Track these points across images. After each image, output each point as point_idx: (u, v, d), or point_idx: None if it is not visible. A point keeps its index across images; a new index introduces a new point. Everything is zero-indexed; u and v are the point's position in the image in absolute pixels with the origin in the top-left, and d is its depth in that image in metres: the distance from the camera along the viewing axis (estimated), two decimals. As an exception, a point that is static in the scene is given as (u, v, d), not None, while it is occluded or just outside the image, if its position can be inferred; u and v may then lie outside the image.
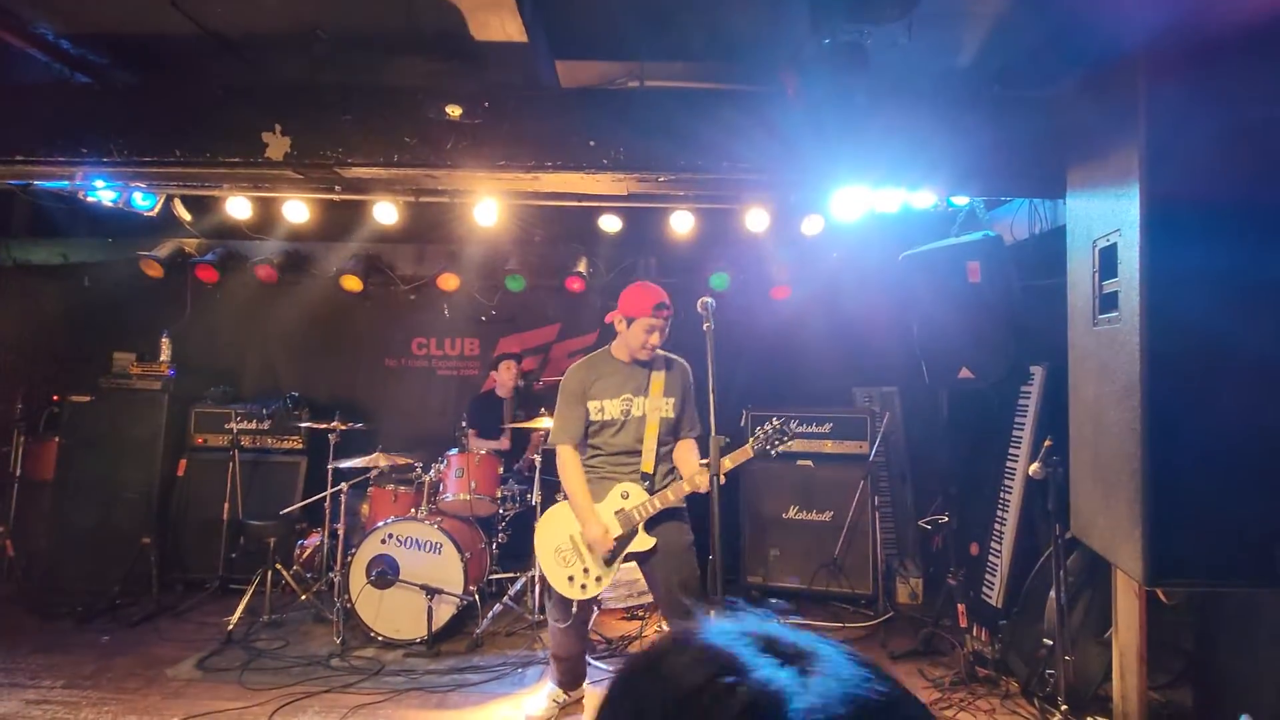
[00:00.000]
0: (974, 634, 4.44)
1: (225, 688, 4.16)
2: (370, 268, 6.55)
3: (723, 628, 0.65)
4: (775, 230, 5.36)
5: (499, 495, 5.20)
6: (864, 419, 5.68)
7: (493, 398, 6.14)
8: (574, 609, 3.50)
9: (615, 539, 3.39)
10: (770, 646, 0.63)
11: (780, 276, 6.18)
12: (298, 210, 5.29)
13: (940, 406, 5.75)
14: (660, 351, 3.50)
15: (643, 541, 3.40)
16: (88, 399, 5.86)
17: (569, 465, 3.43)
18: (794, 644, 0.64)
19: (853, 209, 4.55)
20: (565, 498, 3.53)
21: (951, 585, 4.58)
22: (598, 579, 3.42)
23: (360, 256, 6.48)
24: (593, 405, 3.46)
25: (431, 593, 4.61)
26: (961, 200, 4.77)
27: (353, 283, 6.33)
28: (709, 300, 2.98)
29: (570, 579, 3.45)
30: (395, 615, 4.73)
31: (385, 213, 5.18)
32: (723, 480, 2.92)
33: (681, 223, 5.34)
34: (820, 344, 6.08)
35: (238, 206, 5.29)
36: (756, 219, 5.17)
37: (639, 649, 0.80)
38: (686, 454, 3.52)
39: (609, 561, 3.41)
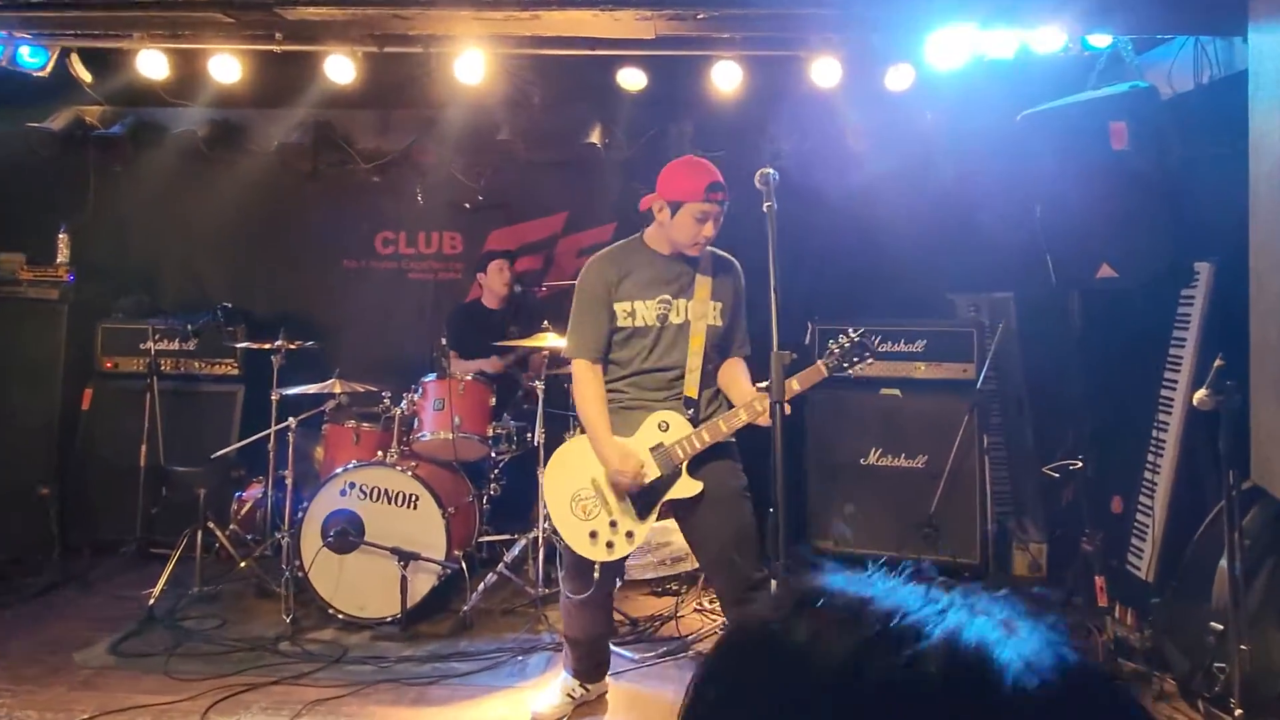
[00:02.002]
0: (1116, 616, 4.44)
1: (147, 678, 4.19)
2: (322, 141, 6.54)
3: (843, 576, 0.68)
4: (850, 85, 5.37)
5: (491, 433, 5.23)
6: (968, 334, 5.65)
7: (480, 309, 6.18)
8: (596, 576, 3.51)
9: (650, 482, 3.44)
10: (924, 591, 0.66)
11: (857, 147, 6.11)
12: (228, 67, 5.30)
13: (1071, 316, 5.64)
14: (710, 248, 3.55)
15: (686, 486, 3.44)
16: (-39, 311, 5.91)
17: (588, 387, 3.49)
18: (956, 592, 0.66)
19: (953, 55, 4.55)
20: (582, 432, 3.58)
21: (1086, 552, 4.60)
22: (628, 534, 3.46)
23: (308, 127, 6.45)
24: (620, 308, 3.50)
25: (405, 558, 4.63)
26: (1101, 41, 4.76)
27: (300, 161, 6.37)
28: (770, 172, 2.99)
29: (593, 536, 3.47)
30: (360, 587, 4.78)
31: (340, 69, 5.16)
32: (788, 409, 2.91)
33: (726, 77, 5.32)
34: (909, 235, 5.98)
35: (152, 62, 5.28)
36: (825, 71, 5.17)
37: (730, 634, 0.74)
38: (737, 376, 3.59)
39: (643, 512, 3.44)
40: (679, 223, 3.41)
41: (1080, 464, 4.93)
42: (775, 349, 2.82)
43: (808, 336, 5.63)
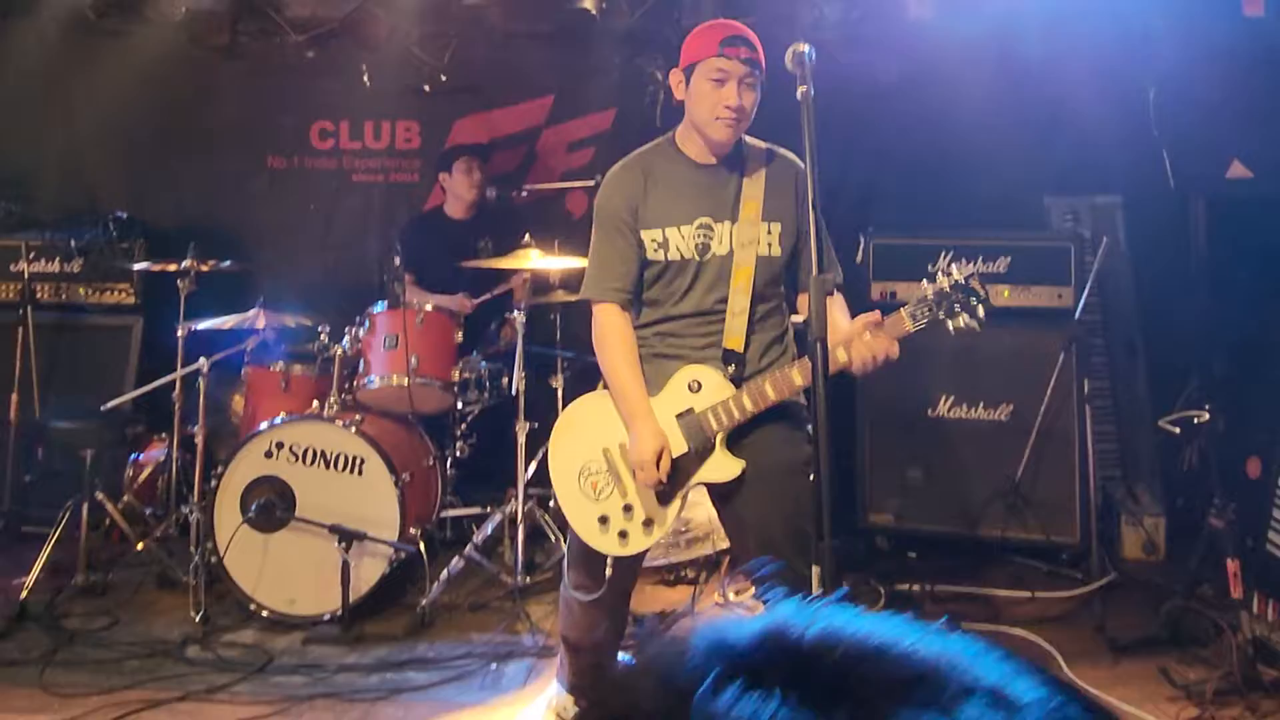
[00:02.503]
0: (1255, 610, 4.21)
1: (17, 692, 4.09)
2: (243, 7, 6.40)
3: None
4: None
5: (456, 379, 5.18)
6: (1064, 250, 5.54)
7: (443, 219, 6.17)
8: (608, 571, 3.42)
9: (675, 460, 3.32)
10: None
11: (920, 14, 6.03)
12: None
13: (1194, 227, 5.64)
14: (753, 141, 3.46)
15: (722, 466, 3.34)
16: None
17: (614, 338, 3.41)
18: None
19: None
20: (602, 385, 3.52)
21: (1215, 529, 4.41)
22: (646, 523, 3.37)
23: None
24: (649, 237, 3.40)
25: (348, 538, 4.51)
26: None
27: (214, 33, 6.27)
28: (805, 49, 2.91)
29: (602, 521, 3.39)
30: (289, 575, 4.71)
31: None
32: (849, 360, 3.00)
33: None
34: (988, 126, 5.85)
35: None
36: None
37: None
38: (831, 314, 3.44)
39: (666, 496, 3.36)
40: (694, 93, 3.30)
41: (1206, 416, 4.78)
42: (815, 271, 2.74)
43: (859, 253, 5.59)
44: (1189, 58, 4.49)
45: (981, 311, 3.11)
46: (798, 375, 3.19)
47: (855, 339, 3.08)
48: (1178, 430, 4.93)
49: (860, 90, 6.06)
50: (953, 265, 3.13)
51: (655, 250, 3.39)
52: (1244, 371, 4.97)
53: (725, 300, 3.38)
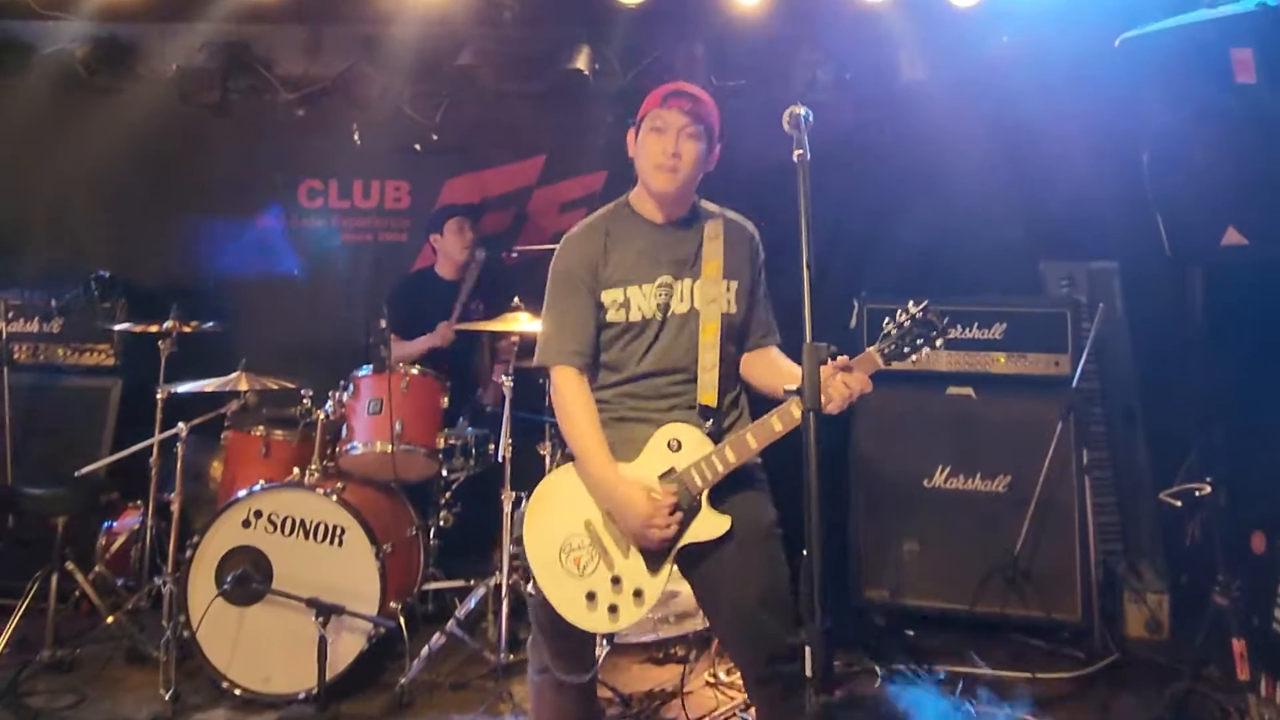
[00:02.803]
0: (1263, 694, 4.23)
1: None
2: (234, 64, 6.47)
3: None
4: (900, 3, 5.52)
5: (441, 445, 5.14)
6: (1060, 316, 5.51)
7: (433, 280, 6.12)
8: (600, 651, 3.45)
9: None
10: None
11: (913, 75, 6.10)
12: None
13: (1191, 294, 5.60)
14: (708, 205, 3.50)
15: (710, 524, 3.26)
16: None
17: (573, 402, 3.36)
18: None
19: None
20: (562, 456, 3.48)
21: (1220, 607, 4.38)
22: (636, 593, 3.28)
23: (216, 47, 6.38)
24: (609, 296, 3.37)
25: (326, 613, 4.38)
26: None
27: (205, 90, 6.27)
28: (801, 111, 2.92)
29: (590, 598, 3.30)
30: (264, 651, 4.62)
31: None
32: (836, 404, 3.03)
33: None
34: (983, 189, 5.95)
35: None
36: None
37: None
38: (776, 366, 3.49)
39: (655, 563, 3.28)
40: (640, 146, 3.35)
41: (1209, 488, 4.73)
42: (808, 339, 2.68)
43: (853, 318, 5.57)
44: (1181, 124, 4.39)
45: (939, 342, 3.21)
46: (778, 423, 3.18)
47: (828, 381, 3.07)
48: (1179, 503, 4.86)
49: (853, 152, 6.07)
50: (910, 302, 3.21)
51: (616, 310, 3.36)
52: (1245, 441, 4.90)
53: (694, 357, 3.35)
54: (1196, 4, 4.42)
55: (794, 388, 2.78)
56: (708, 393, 3.33)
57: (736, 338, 3.47)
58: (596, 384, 3.46)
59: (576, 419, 3.34)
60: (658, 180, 3.33)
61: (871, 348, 3.20)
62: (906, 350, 3.20)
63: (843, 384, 3.07)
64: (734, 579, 3.26)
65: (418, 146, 6.58)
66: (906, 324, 3.21)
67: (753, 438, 3.23)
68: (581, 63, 6.12)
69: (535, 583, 3.43)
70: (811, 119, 2.92)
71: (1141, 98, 4.45)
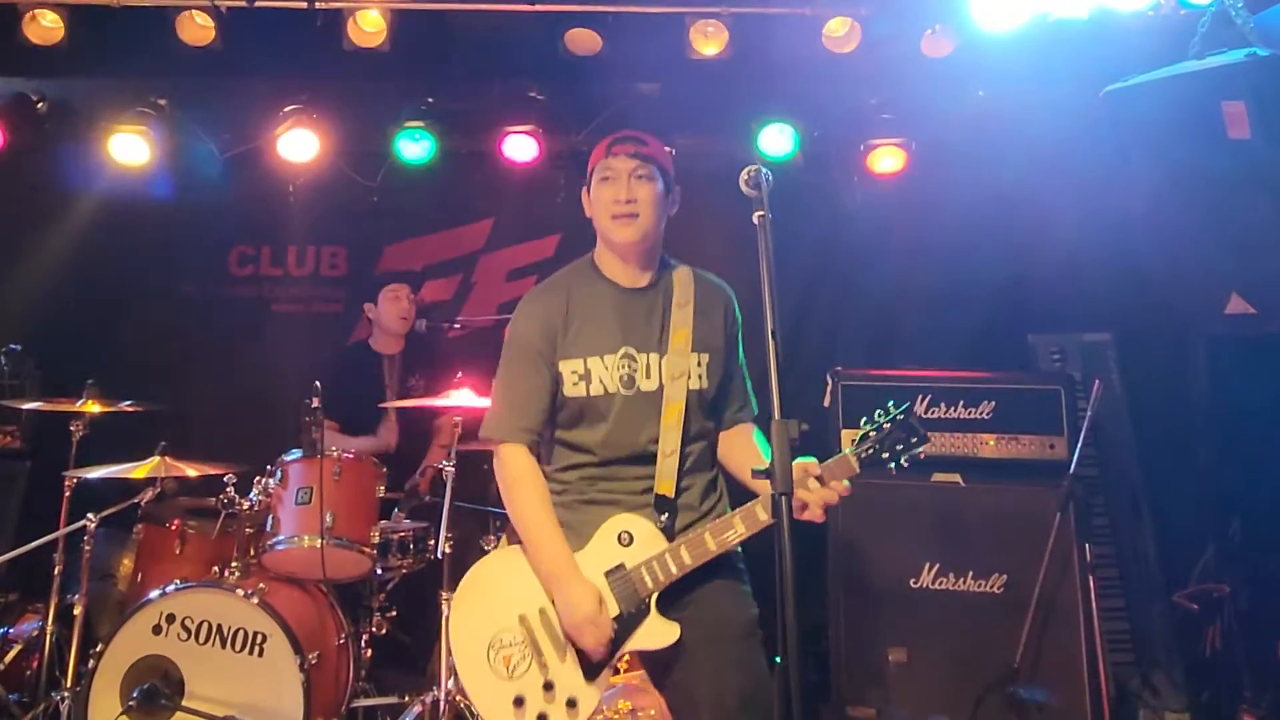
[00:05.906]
0: None
1: None
2: (155, 121, 6.39)
3: None
4: (870, 52, 5.54)
5: (375, 539, 4.89)
6: (1054, 393, 5.35)
7: (368, 355, 5.98)
8: None
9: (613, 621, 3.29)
10: None
11: (882, 132, 6.14)
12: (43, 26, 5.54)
13: (1195, 367, 5.67)
14: (680, 265, 3.48)
15: (656, 632, 3.20)
16: None
17: (525, 483, 3.31)
18: None
19: (1010, 14, 4.87)
20: (507, 539, 3.44)
21: None
22: (570, 703, 3.19)
23: (149, 101, 6.32)
24: (568, 367, 3.33)
25: None
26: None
27: (130, 145, 6.15)
28: (759, 171, 2.92)
29: (519, 703, 3.20)
30: None
31: (192, 29, 5.43)
32: (825, 511, 3.08)
33: (707, 40, 5.54)
34: (964, 254, 6.06)
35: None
36: (839, 33, 5.40)
37: None
38: (743, 451, 3.42)
39: (593, 670, 3.20)
40: (593, 201, 3.36)
41: (1227, 589, 4.87)
42: (777, 415, 2.62)
43: (826, 395, 5.42)
44: (1173, 183, 4.29)
45: (921, 452, 3.20)
46: (740, 524, 3.14)
47: (800, 490, 3.06)
48: (1195, 606, 4.96)
49: (823, 216, 6.21)
50: (889, 403, 3.21)
51: (576, 383, 3.30)
52: (1265, 534, 4.88)
53: (658, 440, 3.29)
54: (1180, 55, 4.41)
55: (762, 468, 2.68)
56: (665, 481, 3.26)
57: (709, 413, 3.39)
58: (555, 464, 3.40)
59: (527, 501, 3.27)
60: (618, 232, 3.29)
61: (848, 451, 3.14)
62: (886, 457, 3.14)
63: (821, 495, 3.06)
64: (709, 682, 3.16)
65: (356, 209, 6.59)
66: (887, 427, 3.17)
67: (711, 539, 3.16)
68: (529, 123, 6.16)
69: (457, 678, 3.34)
70: (771, 179, 2.89)
71: (1128, 155, 4.42)
